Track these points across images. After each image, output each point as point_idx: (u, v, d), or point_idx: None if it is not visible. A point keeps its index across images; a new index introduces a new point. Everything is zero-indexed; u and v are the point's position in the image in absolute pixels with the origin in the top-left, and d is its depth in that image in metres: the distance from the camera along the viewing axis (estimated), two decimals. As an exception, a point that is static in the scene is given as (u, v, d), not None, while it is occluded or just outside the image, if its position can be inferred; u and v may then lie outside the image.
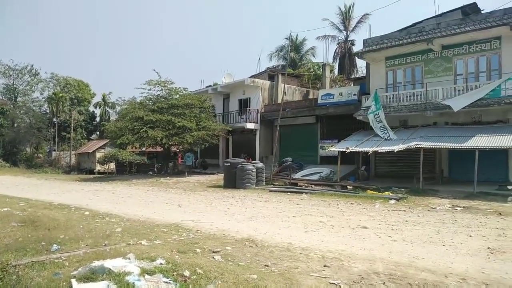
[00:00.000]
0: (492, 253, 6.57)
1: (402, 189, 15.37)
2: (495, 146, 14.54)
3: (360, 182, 17.88)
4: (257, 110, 27.61)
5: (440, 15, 19.82)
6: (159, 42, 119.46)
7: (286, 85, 28.72)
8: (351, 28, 41.10)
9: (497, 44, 17.26)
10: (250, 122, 27.12)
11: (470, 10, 19.21)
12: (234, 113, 29.29)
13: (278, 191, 16.52)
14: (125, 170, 31.35)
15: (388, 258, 6.16)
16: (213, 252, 6.42)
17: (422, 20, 20.34)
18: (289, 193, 15.86)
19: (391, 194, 14.60)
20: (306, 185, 17.81)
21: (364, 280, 5.10)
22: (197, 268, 5.22)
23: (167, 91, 27.98)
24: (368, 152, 17.50)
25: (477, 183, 14.37)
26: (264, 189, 17.51)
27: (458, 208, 11.76)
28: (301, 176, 20.47)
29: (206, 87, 33.31)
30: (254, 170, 18.35)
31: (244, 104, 28.83)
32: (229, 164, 18.81)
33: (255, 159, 24.97)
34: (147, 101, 27.66)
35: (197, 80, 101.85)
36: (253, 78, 29.29)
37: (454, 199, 13.51)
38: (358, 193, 15.26)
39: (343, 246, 6.97)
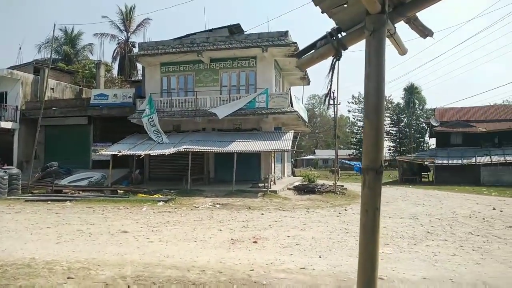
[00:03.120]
0: (233, 244, 7.51)
1: (173, 191, 16.01)
2: (249, 150, 16.92)
3: (133, 186, 17.63)
4: (16, 106, 23.59)
5: (211, 30, 21.66)
6: None
7: (56, 81, 25.85)
8: (132, 30, 40.55)
9: (253, 62, 20.14)
10: (7, 121, 22.88)
11: (236, 30, 21.64)
12: (-17, 109, 24.13)
13: (36, 200, 14.52)
14: None
15: (139, 260, 6.20)
16: None
17: (196, 33, 21.74)
18: (49, 202, 14.12)
19: (160, 196, 14.96)
20: (73, 192, 16.31)
21: (109, 286, 4.99)
22: None
23: None
24: (141, 155, 17.47)
25: (236, 182, 16.34)
26: (19, 198, 15.05)
27: (218, 206, 13.07)
28: (69, 182, 18.64)
29: None
30: (7, 177, 15.54)
31: (-1, 99, 24.17)
32: (-30, 170, 15.35)
33: (12, 164, 21.29)
34: None
35: None
36: (13, 69, 24.94)
37: (216, 197, 14.96)
38: (128, 197, 14.99)
39: (95, 254, 6.62)
